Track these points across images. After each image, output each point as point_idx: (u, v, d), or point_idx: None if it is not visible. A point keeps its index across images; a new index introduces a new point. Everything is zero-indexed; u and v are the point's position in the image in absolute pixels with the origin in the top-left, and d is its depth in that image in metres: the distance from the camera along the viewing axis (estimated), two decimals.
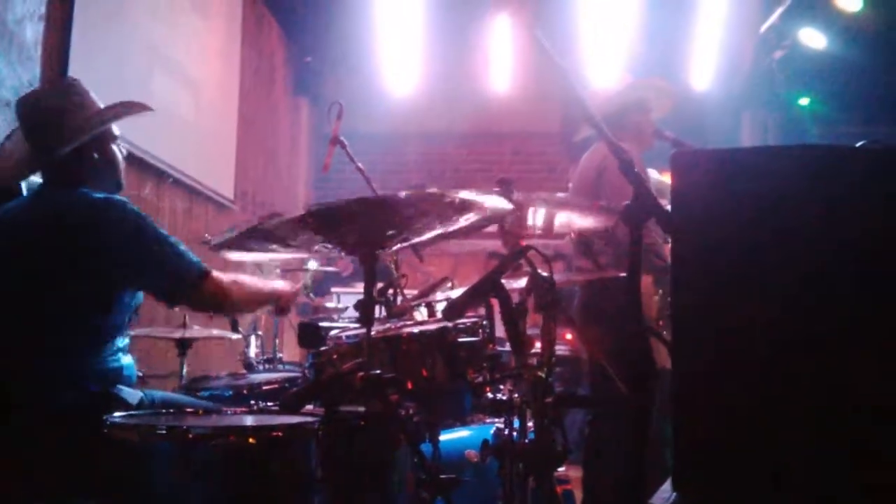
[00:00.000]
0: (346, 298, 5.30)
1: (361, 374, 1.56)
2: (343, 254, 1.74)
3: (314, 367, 1.94)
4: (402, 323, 2.16)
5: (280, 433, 1.55)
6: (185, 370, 3.41)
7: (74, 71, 3.65)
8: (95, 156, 2.28)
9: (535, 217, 1.99)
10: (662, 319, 3.20)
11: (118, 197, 2.21)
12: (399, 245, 1.80)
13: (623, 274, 1.54)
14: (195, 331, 3.45)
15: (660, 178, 3.68)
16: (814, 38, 6.27)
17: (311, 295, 5.01)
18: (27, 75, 3.41)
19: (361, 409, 1.70)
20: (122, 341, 2.23)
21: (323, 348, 1.93)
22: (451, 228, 1.73)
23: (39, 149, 2.24)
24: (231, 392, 2.68)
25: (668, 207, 1.54)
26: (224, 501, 1.51)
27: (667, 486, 1.79)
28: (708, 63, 6.97)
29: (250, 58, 6.29)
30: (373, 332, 1.66)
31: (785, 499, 1.38)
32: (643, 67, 6.14)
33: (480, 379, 1.82)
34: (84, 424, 1.75)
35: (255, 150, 6.49)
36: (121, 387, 2.14)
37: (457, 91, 7.21)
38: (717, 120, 7.23)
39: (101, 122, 2.26)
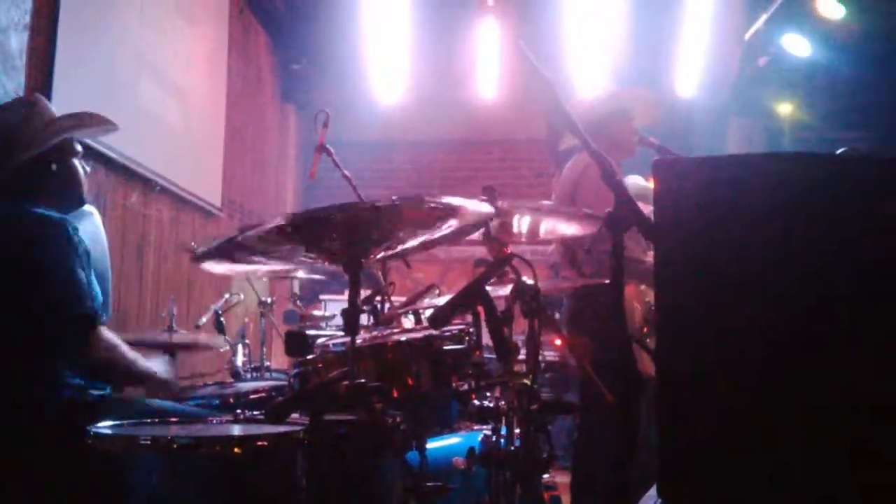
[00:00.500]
0: (333, 306, 5.29)
1: (346, 382, 1.56)
2: (327, 264, 1.74)
3: (299, 375, 1.93)
4: (389, 331, 2.16)
5: (265, 443, 1.55)
6: (173, 372, 3.39)
7: (60, 79, 3.64)
8: (53, 167, 2.25)
9: (521, 224, 2.00)
10: (647, 327, 3.22)
11: (56, 216, 2.16)
12: (384, 253, 1.80)
13: (608, 281, 1.55)
14: (181, 335, 3.43)
15: (645, 184, 3.70)
16: (798, 45, 6.32)
17: (299, 303, 5.00)
18: (12, 84, 3.39)
19: (347, 417, 1.70)
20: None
21: (309, 357, 1.93)
22: (434, 236, 1.73)
23: None
24: (218, 401, 2.67)
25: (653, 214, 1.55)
26: None
27: (652, 493, 1.80)
28: (693, 70, 7.01)
29: (237, 65, 6.29)
30: (359, 341, 1.66)
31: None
32: (629, 74, 6.18)
33: (467, 386, 1.82)
34: (60, 432, 1.75)
35: (242, 158, 6.48)
36: (95, 392, 2.13)
37: (444, 98, 7.22)
38: (703, 127, 7.27)
39: (53, 134, 2.23)
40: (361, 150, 6.75)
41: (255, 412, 2.12)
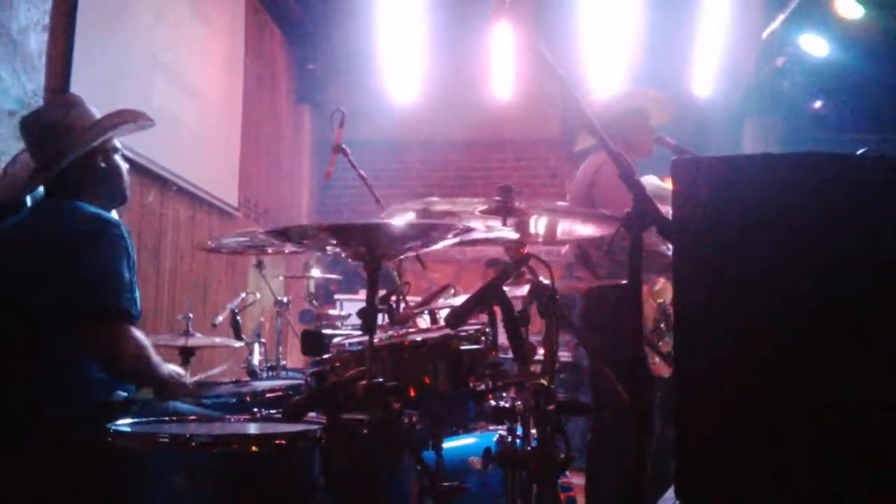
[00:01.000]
0: (349, 305, 5.30)
1: (364, 381, 1.56)
2: (349, 261, 1.74)
3: (316, 375, 1.94)
4: (405, 330, 2.16)
5: (283, 441, 1.56)
6: (187, 378, 3.41)
7: (78, 79, 3.67)
8: (102, 165, 2.30)
9: (537, 225, 2.00)
10: (658, 329, 3.21)
11: (114, 218, 2.20)
12: (403, 255, 1.81)
13: (622, 282, 1.54)
14: (198, 339, 3.45)
15: (661, 184, 3.68)
16: (815, 45, 6.28)
17: (315, 302, 5.02)
18: (31, 85, 3.42)
19: (364, 417, 1.71)
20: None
21: (325, 356, 1.94)
22: (455, 242, 1.73)
23: (42, 164, 2.26)
24: (235, 399, 2.68)
25: (670, 213, 1.55)
26: None
27: (670, 494, 1.79)
28: (710, 70, 6.98)
29: (253, 65, 6.31)
30: (375, 340, 1.66)
31: None
32: (645, 74, 6.16)
33: (483, 386, 1.82)
34: (86, 432, 1.76)
35: (258, 158, 6.50)
36: (121, 392, 2.15)
37: (459, 98, 7.22)
38: (720, 127, 7.24)
39: (99, 133, 2.27)
40: (376, 149, 6.76)
41: (271, 411, 2.13)
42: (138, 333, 2.15)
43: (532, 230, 2.00)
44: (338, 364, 1.83)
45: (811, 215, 1.43)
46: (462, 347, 1.82)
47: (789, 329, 1.41)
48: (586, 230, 2.15)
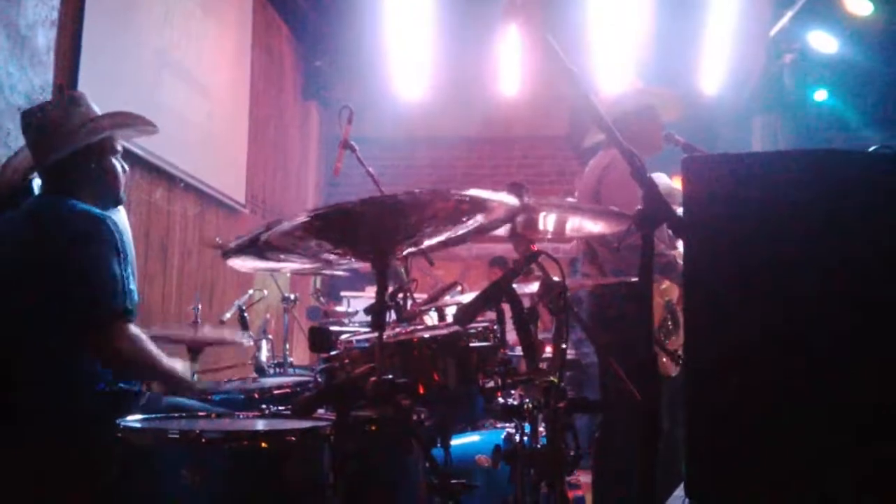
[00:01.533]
0: (356, 302, 5.31)
1: (373, 378, 1.56)
2: (354, 261, 1.74)
3: (325, 371, 1.94)
4: (412, 327, 2.16)
5: (293, 437, 1.55)
6: (195, 375, 3.42)
7: (85, 75, 3.68)
8: (93, 166, 2.30)
9: (546, 221, 1.99)
10: (665, 327, 3.20)
11: (99, 213, 2.19)
12: (411, 249, 1.80)
13: (631, 280, 1.54)
14: (207, 332, 3.45)
15: (669, 182, 3.67)
16: (824, 42, 6.25)
17: (322, 299, 5.02)
18: (39, 80, 3.43)
19: (373, 413, 1.70)
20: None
21: (334, 353, 1.93)
22: (461, 231, 1.72)
23: (37, 157, 2.27)
24: (243, 396, 2.68)
25: (679, 212, 1.54)
26: None
27: (679, 492, 1.79)
28: (718, 67, 6.96)
29: (260, 62, 6.31)
30: (384, 337, 1.66)
31: (800, 502, 1.38)
32: (653, 72, 6.14)
33: (492, 384, 1.82)
34: (95, 426, 1.76)
35: (265, 155, 6.51)
36: (124, 384, 2.15)
37: (466, 95, 7.21)
38: (728, 124, 7.22)
39: (92, 132, 2.27)
40: (383, 146, 6.77)
41: (280, 407, 2.13)
42: (135, 331, 2.15)
43: (541, 227, 1.99)
44: (347, 361, 1.83)
45: (823, 212, 1.42)
46: (471, 344, 1.81)
47: (801, 327, 1.41)
48: (595, 227, 2.14)
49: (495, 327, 1.91)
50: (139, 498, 1.53)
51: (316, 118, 7.86)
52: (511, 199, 1.62)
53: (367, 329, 2.29)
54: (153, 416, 1.79)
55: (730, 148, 6.70)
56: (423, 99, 7.18)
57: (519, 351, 1.89)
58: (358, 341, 1.95)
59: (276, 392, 2.70)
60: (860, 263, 1.40)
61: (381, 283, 1.61)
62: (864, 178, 1.46)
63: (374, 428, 1.71)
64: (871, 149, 1.58)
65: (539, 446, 1.79)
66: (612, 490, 3.18)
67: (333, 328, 2.33)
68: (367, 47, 7.04)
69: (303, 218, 1.46)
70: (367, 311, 1.69)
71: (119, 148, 2.40)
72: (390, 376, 1.59)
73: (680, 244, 3.27)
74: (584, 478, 3.29)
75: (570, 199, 2.24)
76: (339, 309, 4.87)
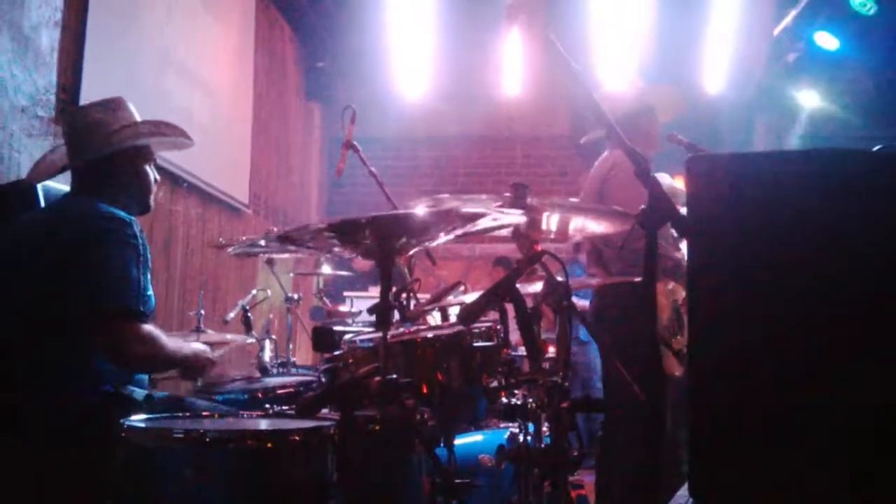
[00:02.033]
0: (359, 302, 5.31)
1: (377, 378, 1.56)
2: (360, 258, 1.74)
3: (329, 371, 1.94)
4: (416, 327, 2.16)
5: (297, 437, 1.55)
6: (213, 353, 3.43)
7: (89, 76, 3.68)
8: (126, 170, 2.31)
9: (550, 222, 1.99)
10: (672, 327, 3.20)
11: (125, 215, 2.19)
12: (414, 249, 1.80)
13: (635, 279, 1.54)
14: (209, 335, 3.47)
15: (672, 182, 3.67)
16: (828, 41, 6.24)
17: (325, 299, 5.02)
18: (43, 81, 3.44)
19: (377, 413, 1.71)
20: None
21: (337, 353, 1.94)
22: (467, 230, 1.73)
23: (72, 155, 2.29)
24: (246, 396, 2.69)
25: (683, 211, 1.54)
26: None
27: (683, 492, 1.79)
28: (721, 66, 6.95)
29: (263, 62, 6.32)
30: (388, 337, 1.66)
31: (803, 502, 1.38)
32: (656, 70, 6.14)
33: (495, 383, 1.82)
34: (98, 426, 1.76)
35: (268, 155, 6.52)
36: (132, 388, 2.15)
37: (468, 95, 7.22)
38: (730, 123, 7.21)
39: (130, 137, 2.28)
40: (385, 146, 6.78)
41: (283, 407, 2.13)
42: (148, 329, 2.14)
43: (544, 227, 1.99)
44: (351, 360, 1.83)
45: (826, 212, 1.42)
46: (475, 344, 1.81)
47: (804, 326, 1.41)
48: (599, 227, 2.14)
49: (499, 327, 1.91)
50: (143, 498, 1.53)
51: (318, 118, 7.86)
52: (517, 216, 1.62)
53: (370, 329, 2.30)
54: (157, 415, 1.79)
55: (732, 147, 6.71)
56: (426, 99, 7.19)
57: (522, 351, 1.89)
58: (361, 341, 1.95)
59: (279, 392, 2.71)
60: (864, 263, 1.40)
61: (385, 283, 1.61)
62: (868, 178, 1.45)
63: (377, 428, 1.71)
64: (875, 148, 1.58)
65: (542, 446, 1.79)
66: (615, 490, 3.18)
67: (337, 328, 2.34)
68: (369, 47, 7.04)
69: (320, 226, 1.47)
70: (371, 310, 1.69)
71: (154, 156, 2.40)
72: (394, 376, 1.59)
73: (683, 244, 3.27)
74: (587, 478, 3.29)
75: (572, 200, 2.24)
76: (343, 309, 4.87)
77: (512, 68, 7.17)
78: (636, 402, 1.68)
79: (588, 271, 3.35)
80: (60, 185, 2.49)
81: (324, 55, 7.56)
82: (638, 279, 1.54)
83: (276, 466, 1.51)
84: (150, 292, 2.21)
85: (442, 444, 1.94)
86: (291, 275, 5.80)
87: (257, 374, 3.32)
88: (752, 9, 6.62)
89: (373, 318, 1.70)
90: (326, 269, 5.23)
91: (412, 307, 2.46)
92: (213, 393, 2.88)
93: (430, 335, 1.83)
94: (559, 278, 1.81)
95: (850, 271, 1.40)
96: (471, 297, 2.10)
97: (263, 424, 1.81)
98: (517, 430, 1.89)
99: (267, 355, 3.67)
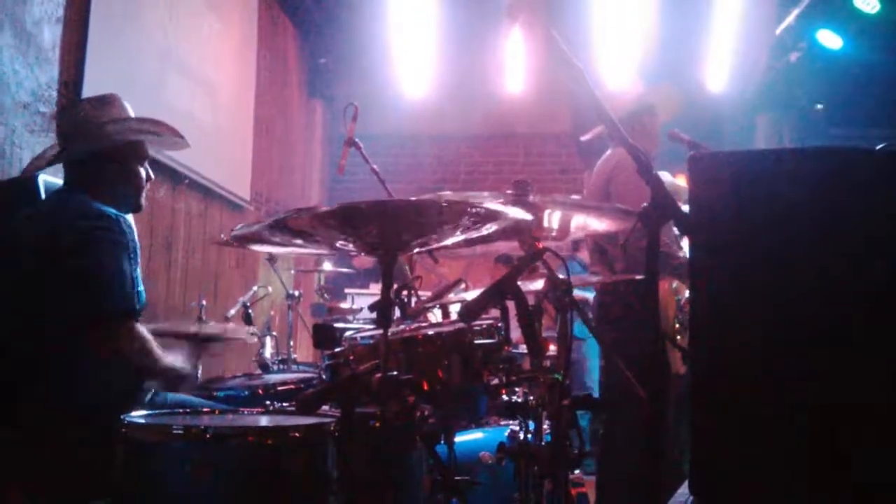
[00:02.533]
0: (360, 300, 5.31)
1: (378, 375, 1.56)
2: (362, 254, 1.74)
3: (330, 368, 1.94)
4: (416, 324, 2.16)
5: (298, 434, 1.56)
6: (199, 370, 3.42)
7: (91, 72, 3.68)
8: (115, 167, 2.29)
9: (551, 219, 1.99)
10: (678, 325, 3.21)
11: (113, 212, 2.19)
12: (418, 249, 1.80)
13: (638, 277, 1.54)
14: (210, 327, 3.46)
15: (673, 180, 3.68)
16: (831, 40, 6.23)
17: (326, 296, 5.02)
18: (45, 77, 3.43)
19: (377, 410, 1.71)
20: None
21: (338, 349, 1.94)
22: (472, 235, 1.72)
23: (61, 150, 2.28)
24: (247, 392, 2.69)
25: (685, 209, 1.54)
26: (240, 502, 1.52)
27: (684, 490, 1.78)
28: (723, 64, 6.94)
29: (265, 59, 6.32)
30: (389, 334, 1.66)
31: (804, 502, 1.38)
32: (657, 69, 6.13)
33: (496, 381, 1.82)
34: (98, 422, 1.77)
35: (270, 152, 6.51)
36: (136, 384, 2.16)
37: (470, 93, 7.21)
38: (732, 122, 7.20)
39: (116, 132, 2.27)
40: (387, 143, 6.77)
41: (284, 404, 2.14)
42: (139, 331, 2.15)
43: (545, 224, 1.99)
44: (351, 357, 1.83)
45: (828, 210, 1.42)
46: (475, 342, 1.81)
47: (806, 324, 1.40)
48: (601, 225, 2.14)
49: (500, 324, 1.91)
50: (144, 494, 1.53)
51: (320, 115, 7.86)
52: (524, 215, 1.61)
53: (371, 326, 2.29)
54: (158, 412, 1.79)
55: (734, 145, 6.69)
56: (428, 96, 7.18)
57: (523, 348, 1.89)
58: (362, 338, 1.95)
59: (280, 388, 2.71)
60: (866, 262, 1.40)
61: (386, 280, 1.61)
62: (870, 177, 1.45)
63: (378, 424, 1.71)
64: (878, 147, 1.58)
65: (543, 443, 1.79)
66: (615, 487, 3.18)
67: (338, 325, 2.34)
68: (371, 45, 7.04)
69: (326, 209, 1.46)
70: (372, 307, 1.69)
71: (147, 155, 2.39)
72: (395, 373, 1.59)
73: (685, 242, 3.27)
74: (588, 476, 3.29)
75: (574, 197, 2.24)
76: (344, 306, 4.87)
77: (514, 66, 7.16)
78: (637, 400, 1.68)
79: (591, 269, 3.36)
80: (60, 180, 2.49)
81: (326, 52, 7.55)
82: (640, 277, 1.54)
83: (277, 463, 1.52)
84: (141, 287, 2.21)
85: (442, 442, 1.94)
86: (292, 272, 5.81)
87: (258, 371, 3.33)
88: (754, 7, 6.61)
89: (374, 314, 1.70)
90: (327, 266, 5.23)
91: (413, 304, 2.45)
92: (214, 389, 2.88)
93: (430, 332, 1.83)
94: (560, 276, 1.80)
95: (851, 269, 1.40)
96: (472, 295, 2.10)
97: (264, 421, 1.81)
98: (518, 428, 1.90)
99: (268, 352, 3.67)
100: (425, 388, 1.75)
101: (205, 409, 2.01)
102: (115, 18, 3.94)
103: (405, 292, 2.39)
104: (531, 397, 1.84)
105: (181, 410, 1.94)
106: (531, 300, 1.81)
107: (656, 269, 1.45)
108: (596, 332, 2.51)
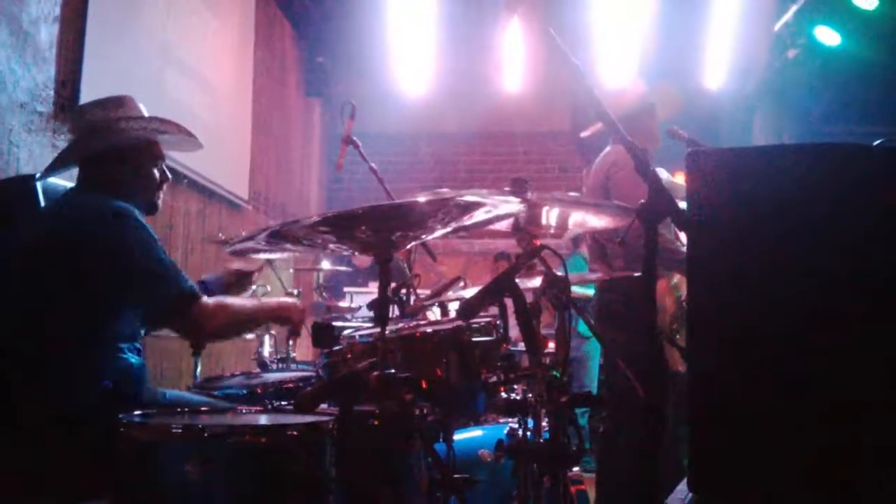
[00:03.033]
0: (358, 298, 5.31)
1: (376, 373, 1.55)
2: (357, 253, 1.74)
3: (328, 366, 1.94)
4: (415, 322, 2.15)
5: (296, 432, 1.55)
6: (199, 369, 3.42)
7: (88, 71, 3.67)
8: (125, 167, 2.29)
9: (549, 216, 1.98)
10: (676, 323, 3.21)
11: (128, 207, 2.18)
12: (413, 243, 1.80)
13: (637, 274, 1.53)
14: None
15: (671, 178, 3.68)
16: (829, 37, 6.23)
17: (325, 295, 5.02)
18: (42, 77, 3.43)
19: (375, 408, 1.70)
20: (134, 341, 2.23)
21: (336, 348, 1.93)
22: (464, 223, 1.72)
23: (75, 149, 2.29)
24: (245, 391, 2.69)
25: (682, 206, 1.54)
26: (239, 500, 1.52)
27: (682, 487, 1.79)
28: (721, 61, 6.95)
29: (263, 58, 6.31)
30: (387, 332, 1.66)
31: (803, 498, 1.38)
32: (656, 66, 6.13)
33: (494, 378, 1.81)
34: (97, 422, 1.76)
35: (268, 150, 6.51)
36: (133, 383, 2.15)
37: (468, 91, 7.21)
38: (731, 119, 7.21)
39: (121, 130, 2.26)
40: (385, 142, 6.76)
41: (282, 402, 2.13)
42: (212, 302, 2.19)
43: (544, 221, 1.99)
44: (350, 356, 1.83)
45: (826, 207, 1.42)
46: (474, 339, 1.81)
47: (804, 321, 1.40)
48: (600, 222, 2.14)
49: (498, 322, 1.91)
50: (142, 493, 1.53)
51: (318, 114, 7.85)
52: (513, 203, 1.61)
53: (369, 324, 2.29)
54: (156, 411, 1.79)
55: (732, 142, 6.70)
56: (426, 95, 7.18)
57: (522, 346, 1.89)
58: (361, 336, 1.95)
59: (278, 387, 2.70)
60: (863, 258, 1.40)
61: (383, 278, 1.61)
62: (868, 173, 1.45)
63: (376, 423, 1.71)
64: (875, 143, 1.57)
65: (542, 441, 1.79)
66: (615, 485, 3.18)
67: (336, 324, 2.34)
68: (369, 43, 7.04)
69: (315, 219, 1.47)
70: (370, 306, 1.68)
71: (163, 155, 2.38)
72: (393, 371, 1.59)
73: (683, 238, 3.27)
74: (587, 473, 3.29)
75: (572, 194, 2.24)
76: (342, 304, 4.87)
77: (512, 64, 7.17)
78: (637, 398, 1.67)
79: (591, 266, 3.36)
80: (61, 181, 2.48)
81: (324, 51, 7.55)
82: (639, 273, 1.54)
83: (275, 461, 1.51)
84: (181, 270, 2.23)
85: (441, 440, 1.94)
86: (291, 271, 5.80)
87: (257, 370, 3.32)
88: (752, 4, 6.61)
89: (372, 313, 1.69)
90: (326, 264, 5.23)
91: (412, 302, 2.45)
92: (213, 388, 2.88)
93: (428, 330, 1.83)
94: (559, 273, 1.80)
95: (849, 266, 1.40)
96: (471, 293, 2.10)
97: (262, 419, 1.80)
98: (516, 426, 1.89)
99: (266, 351, 3.66)
100: (424, 386, 1.74)
101: (203, 408, 2.00)
102: (113, 17, 3.94)
103: (404, 290, 2.39)
104: (530, 395, 1.84)
105: (179, 409, 1.93)
106: (529, 298, 1.81)
107: (654, 266, 1.44)
108: (596, 330, 2.51)
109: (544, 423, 1.81)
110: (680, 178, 3.54)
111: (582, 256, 5.37)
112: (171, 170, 4.47)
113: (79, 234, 2.11)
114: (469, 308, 1.64)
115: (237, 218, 5.68)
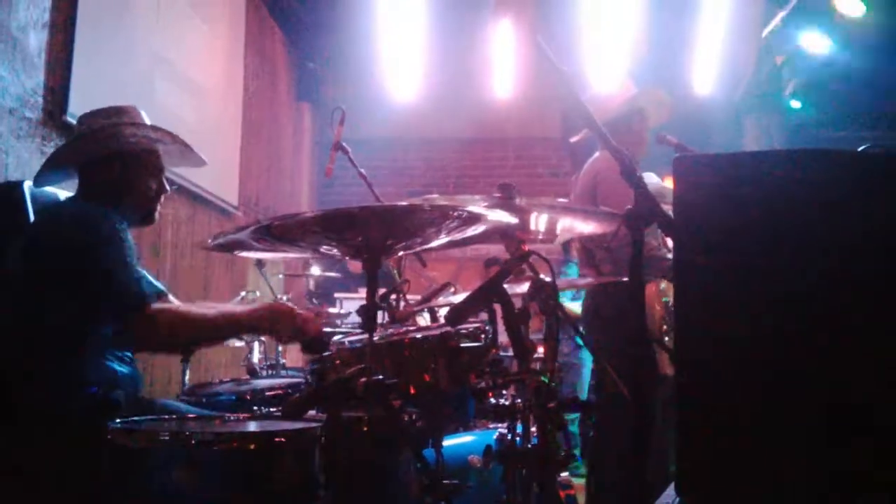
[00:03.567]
0: (349, 304, 5.30)
1: (364, 379, 1.55)
2: (347, 259, 1.74)
3: (316, 372, 1.93)
4: (404, 328, 2.15)
5: (283, 439, 1.55)
6: (187, 376, 3.41)
7: (78, 77, 3.66)
8: (118, 176, 2.28)
9: (538, 222, 1.99)
10: (666, 327, 3.22)
11: (105, 210, 2.17)
12: (403, 252, 1.80)
13: (624, 279, 1.54)
14: None
15: (660, 181, 3.69)
16: (816, 43, 6.27)
17: (315, 300, 5.01)
18: (31, 83, 3.42)
19: (364, 414, 1.70)
20: (122, 350, 2.22)
21: (325, 354, 1.93)
22: (456, 238, 1.72)
23: (75, 157, 2.29)
24: (234, 397, 2.68)
25: (670, 212, 1.55)
26: None
27: (670, 491, 1.79)
28: (710, 67, 6.98)
29: (253, 63, 6.31)
30: (375, 338, 1.66)
31: (791, 502, 1.38)
32: (645, 71, 6.15)
33: (483, 384, 1.82)
34: (84, 429, 1.76)
35: (258, 156, 6.50)
36: (120, 391, 2.14)
37: (459, 96, 7.22)
38: (720, 124, 7.24)
39: (113, 137, 2.26)
40: (376, 147, 6.77)
41: (271, 409, 2.13)
42: (155, 308, 2.07)
43: (532, 227, 1.99)
44: (338, 362, 1.83)
45: (814, 212, 1.42)
46: (462, 345, 1.81)
47: (792, 326, 1.41)
48: (587, 228, 2.15)
49: (487, 327, 1.91)
50: (130, 500, 1.52)
51: (309, 120, 7.85)
52: (507, 217, 1.62)
53: (359, 330, 2.29)
54: (144, 418, 1.78)
55: (722, 148, 6.73)
56: (416, 100, 7.19)
57: (511, 351, 1.89)
58: (350, 342, 1.95)
59: (267, 394, 2.70)
60: (849, 263, 1.40)
61: (371, 284, 1.61)
62: (855, 178, 1.46)
63: (364, 429, 1.70)
64: (861, 148, 1.59)
65: (531, 446, 1.79)
66: (605, 489, 3.18)
67: (326, 329, 2.33)
68: (359, 49, 7.04)
69: (309, 215, 1.46)
70: (360, 311, 1.68)
71: (163, 167, 2.37)
72: (381, 377, 1.58)
73: (670, 243, 3.28)
74: (577, 479, 3.29)
75: (560, 200, 2.25)
76: (332, 310, 4.87)
77: (503, 70, 7.18)
78: (626, 403, 1.68)
79: (581, 272, 3.37)
80: (52, 189, 2.48)
81: (314, 56, 7.55)
82: (626, 279, 1.55)
83: (263, 468, 1.51)
84: (144, 272, 2.19)
85: (430, 445, 1.94)
86: (281, 276, 5.79)
87: (246, 377, 3.31)
88: (740, 11, 6.65)
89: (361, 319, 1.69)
90: (316, 270, 5.22)
91: (402, 308, 2.45)
92: (202, 395, 2.87)
93: (417, 336, 1.83)
94: (546, 278, 1.80)
95: (835, 271, 1.40)
96: (460, 298, 2.10)
97: (250, 426, 1.80)
98: (506, 431, 1.89)
99: (256, 357, 3.65)
100: (412, 391, 1.74)
101: (190, 416, 2.00)
102: (102, 23, 3.93)
103: (393, 296, 2.39)
104: (519, 400, 1.84)
105: (167, 416, 1.93)
106: (518, 303, 1.81)
107: (641, 271, 1.45)
108: (583, 335, 2.52)
109: (533, 429, 1.81)
110: (670, 183, 3.55)
111: (576, 262, 5.38)
112: None
113: (54, 238, 2.11)
114: (457, 313, 1.64)
115: (227, 224, 5.67)
